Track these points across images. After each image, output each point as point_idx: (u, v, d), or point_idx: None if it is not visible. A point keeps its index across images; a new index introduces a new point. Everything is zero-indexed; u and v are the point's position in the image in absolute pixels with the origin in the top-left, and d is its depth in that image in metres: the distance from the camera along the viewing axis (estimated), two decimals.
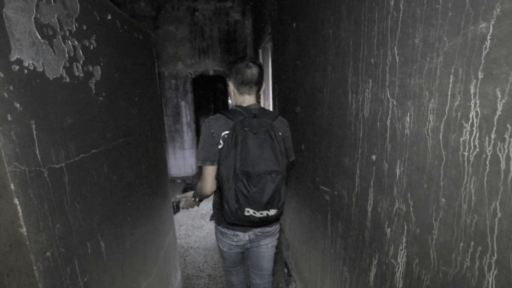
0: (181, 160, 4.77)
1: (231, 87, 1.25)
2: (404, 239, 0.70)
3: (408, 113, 0.65)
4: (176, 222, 3.14)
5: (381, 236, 0.80)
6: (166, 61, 4.42)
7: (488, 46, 0.45)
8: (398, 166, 0.70)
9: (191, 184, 4.30)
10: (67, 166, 0.77)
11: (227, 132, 1.13)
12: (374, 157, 0.82)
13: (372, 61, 0.80)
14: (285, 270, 2.21)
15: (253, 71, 1.17)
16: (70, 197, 0.78)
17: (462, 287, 0.52)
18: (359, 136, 0.90)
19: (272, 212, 1.09)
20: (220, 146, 1.15)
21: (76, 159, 0.82)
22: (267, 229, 1.29)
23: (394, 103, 0.70)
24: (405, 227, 0.69)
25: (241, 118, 1.12)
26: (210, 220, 1.49)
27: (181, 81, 4.50)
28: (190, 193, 1.47)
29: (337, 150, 1.09)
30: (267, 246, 1.36)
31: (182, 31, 4.36)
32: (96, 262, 0.91)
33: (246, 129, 1.07)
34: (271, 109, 2.92)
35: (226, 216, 1.13)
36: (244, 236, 1.27)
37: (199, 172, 1.52)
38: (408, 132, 0.66)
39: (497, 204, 0.45)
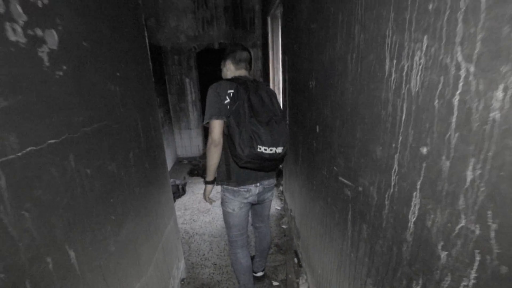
0: (187, 140, 4.60)
1: (228, 65, 1.48)
2: (474, 274, 0.48)
3: (501, 86, 0.40)
4: (182, 205, 3.03)
5: (430, 259, 0.58)
6: (168, 35, 4.10)
7: None
8: (470, 167, 0.46)
9: (197, 165, 4.16)
10: (2, 164, 0.57)
11: (232, 90, 1.31)
12: (425, 150, 0.58)
13: (430, 6, 0.53)
14: (295, 260, 2.06)
15: (246, 53, 1.47)
16: (11, 205, 0.59)
17: None
18: (400, 118, 0.66)
19: (280, 149, 1.29)
20: (226, 102, 1.30)
21: (19, 154, 0.62)
22: (272, 181, 1.54)
23: (471, 69, 0.45)
24: (477, 258, 0.47)
25: (242, 81, 1.34)
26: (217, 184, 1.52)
27: (184, 56, 4.21)
28: (204, 188, 1.54)
29: (364, 135, 0.85)
30: (269, 198, 1.63)
31: (183, 1, 3.99)
32: (64, 277, 0.74)
33: (247, 88, 1.30)
34: (280, 84, 2.64)
35: (239, 160, 1.27)
36: (255, 190, 1.47)
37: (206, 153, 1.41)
38: (497, 116, 0.41)
39: None
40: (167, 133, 4.20)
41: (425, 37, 0.55)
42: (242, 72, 1.46)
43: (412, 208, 0.64)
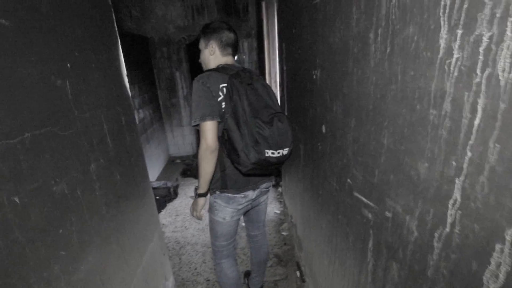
0: (180, 138, 4.35)
1: (212, 47, 1.22)
2: None
3: None
4: (173, 210, 2.80)
5: None
6: (155, 25, 3.80)
7: None
8: None
9: (191, 164, 3.91)
10: None
11: (225, 84, 1.11)
12: None
13: None
14: (297, 274, 1.84)
15: (234, 35, 1.23)
16: None
17: None
18: (469, 123, 0.41)
19: (286, 151, 1.11)
20: (220, 98, 1.11)
21: None
22: (269, 184, 1.37)
23: None
24: None
25: (232, 72, 1.13)
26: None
27: (173, 48, 3.92)
28: (193, 202, 1.32)
29: (396, 143, 0.61)
30: (264, 202, 1.46)
31: None
32: None
33: (242, 80, 1.10)
34: (277, 76, 2.38)
35: (243, 167, 1.08)
36: (252, 194, 1.29)
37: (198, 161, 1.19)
38: None
39: None
40: (158, 131, 3.94)
41: None
42: (229, 59, 1.24)
43: (491, 267, 0.40)
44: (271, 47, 2.73)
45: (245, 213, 1.49)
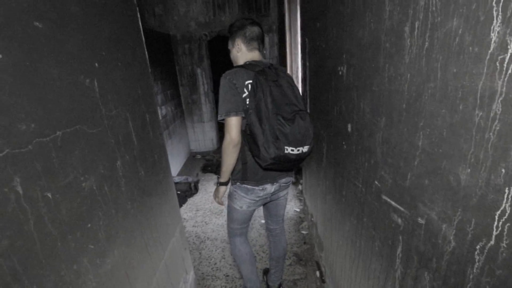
0: (201, 134, 4.41)
1: (238, 45, 1.26)
2: None
3: None
4: (193, 206, 2.85)
5: None
6: (178, 22, 3.85)
7: None
8: None
9: (211, 160, 3.96)
10: None
11: (250, 81, 1.14)
12: None
13: None
14: (317, 274, 1.81)
15: (257, 29, 1.24)
16: None
17: None
18: None
19: (306, 148, 1.14)
20: (244, 95, 1.14)
21: None
22: (289, 179, 1.38)
23: None
24: None
25: (259, 68, 1.15)
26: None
27: (195, 45, 3.96)
28: (215, 190, 1.42)
29: (433, 145, 0.56)
30: (284, 197, 1.48)
31: None
32: None
33: (267, 77, 1.11)
34: (299, 72, 2.33)
35: (263, 162, 1.12)
36: (271, 188, 1.33)
37: (220, 147, 1.42)
38: None
39: None
40: (180, 127, 4.02)
41: None
42: (255, 55, 1.26)
43: None
44: (293, 42, 2.67)
45: (265, 206, 1.53)
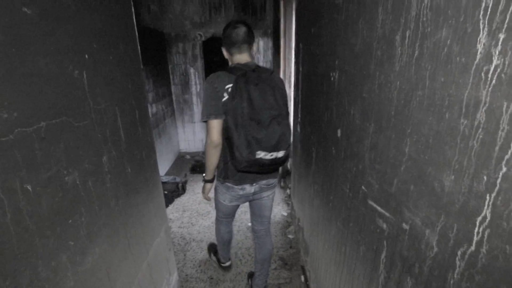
0: (191, 135, 4.37)
1: (227, 51, 1.30)
2: None
3: None
4: (180, 206, 2.81)
5: None
6: (173, 21, 3.83)
7: None
8: None
9: (200, 161, 3.93)
10: None
11: (231, 85, 1.16)
12: None
13: None
14: (302, 278, 1.81)
15: (239, 30, 1.23)
16: None
17: None
18: (503, 135, 0.38)
19: (281, 153, 1.17)
20: (224, 99, 1.18)
21: None
22: (271, 181, 1.41)
23: None
24: None
25: (241, 72, 1.16)
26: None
27: (189, 45, 3.94)
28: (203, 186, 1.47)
29: (419, 152, 0.58)
30: (268, 197, 1.49)
31: None
32: None
33: (248, 81, 1.12)
34: (292, 76, 2.35)
35: (238, 164, 1.17)
36: (250, 189, 1.38)
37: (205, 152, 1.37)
38: None
39: None
40: (170, 127, 3.97)
41: None
42: (243, 57, 1.26)
43: None
44: (287, 46, 2.70)
45: (250, 206, 1.57)
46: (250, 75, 1.14)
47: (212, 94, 1.18)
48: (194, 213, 2.65)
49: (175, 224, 2.49)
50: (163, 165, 3.70)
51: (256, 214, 1.57)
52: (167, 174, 3.65)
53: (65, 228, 0.76)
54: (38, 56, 0.68)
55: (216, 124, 1.18)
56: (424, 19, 0.55)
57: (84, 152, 0.86)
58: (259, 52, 4.01)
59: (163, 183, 3.05)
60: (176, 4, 3.75)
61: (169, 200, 2.88)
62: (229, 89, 1.16)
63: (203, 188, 1.45)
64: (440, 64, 0.51)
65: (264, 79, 1.16)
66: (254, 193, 1.41)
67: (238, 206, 1.54)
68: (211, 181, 1.40)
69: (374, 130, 0.77)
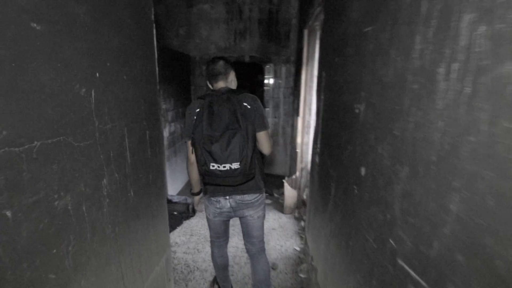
0: None
1: (208, 84, 1.51)
2: None
3: None
4: (188, 229, 2.70)
5: None
6: (199, 44, 3.96)
7: None
8: None
9: None
10: None
11: (198, 109, 1.32)
12: None
13: None
14: None
15: (216, 65, 1.43)
16: None
17: None
18: None
19: (235, 165, 1.23)
20: (194, 122, 1.32)
21: None
22: (246, 197, 1.45)
23: None
24: None
25: (209, 98, 1.32)
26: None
27: None
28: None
29: (472, 214, 0.45)
30: (251, 217, 1.52)
31: (218, 11, 3.85)
32: None
33: (211, 104, 1.28)
34: (313, 104, 2.27)
35: (201, 176, 1.37)
36: (225, 203, 1.46)
37: None
38: None
39: None
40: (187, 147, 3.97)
41: None
42: (218, 85, 1.44)
43: None
44: (309, 74, 2.65)
45: (241, 225, 1.62)
46: (215, 98, 1.29)
47: (187, 119, 1.39)
48: (201, 238, 2.52)
49: (180, 249, 2.37)
50: (176, 184, 3.65)
51: (245, 233, 1.60)
52: (179, 194, 3.58)
53: (46, 259, 0.68)
54: (41, 72, 0.64)
55: (189, 144, 1.38)
56: (479, 49, 0.44)
57: (81, 174, 0.80)
58: (281, 78, 4.01)
59: (174, 203, 2.98)
60: (203, 29, 3.89)
61: (177, 222, 2.79)
62: (197, 111, 1.32)
63: (194, 200, 1.64)
64: (503, 106, 0.39)
65: (226, 100, 1.28)
66: (234, 210, 1.47)
67: (225, 223, 1.60)
68: (196, 194, 1.58)
69: (408, 176, 0.65)
